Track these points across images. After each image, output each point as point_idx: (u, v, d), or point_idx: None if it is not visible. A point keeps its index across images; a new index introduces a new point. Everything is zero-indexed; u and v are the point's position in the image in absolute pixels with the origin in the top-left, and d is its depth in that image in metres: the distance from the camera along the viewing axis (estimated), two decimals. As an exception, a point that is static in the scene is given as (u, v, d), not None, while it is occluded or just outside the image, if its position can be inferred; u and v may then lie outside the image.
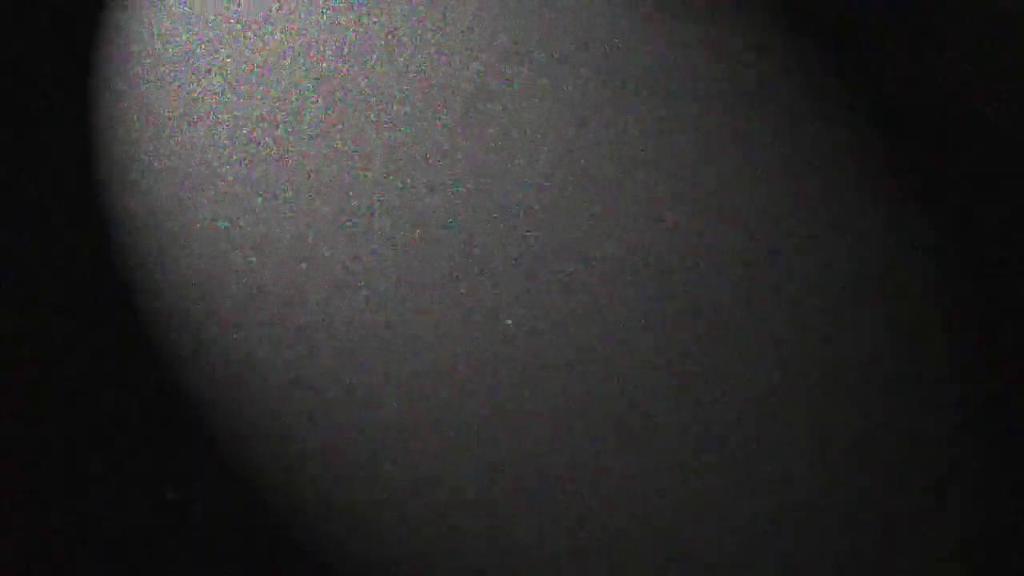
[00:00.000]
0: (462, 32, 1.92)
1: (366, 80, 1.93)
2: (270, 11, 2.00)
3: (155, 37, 2.01)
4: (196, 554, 1.59)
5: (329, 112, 1.91)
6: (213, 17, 2.02)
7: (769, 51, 1.86)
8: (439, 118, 1.87)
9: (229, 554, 1.59)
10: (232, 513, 1.62)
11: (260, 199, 1.85)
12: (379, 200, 1.83)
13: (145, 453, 1.66)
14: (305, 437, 1.67)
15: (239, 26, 2.00)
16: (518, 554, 1.57)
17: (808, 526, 1.55)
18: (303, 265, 1.79)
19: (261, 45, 1.98)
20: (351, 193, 1.84)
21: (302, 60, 1.96)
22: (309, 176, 1.86)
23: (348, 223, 1.82)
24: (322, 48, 1.96)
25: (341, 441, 1.66)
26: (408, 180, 1.83)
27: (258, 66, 1.96)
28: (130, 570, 1.59)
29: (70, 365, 1.73)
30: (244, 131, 1.91)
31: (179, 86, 1.96)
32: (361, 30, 1.97)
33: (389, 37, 1.94)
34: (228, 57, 1.97)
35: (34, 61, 1.99)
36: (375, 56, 1.94)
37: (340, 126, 1.90)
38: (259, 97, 1.94)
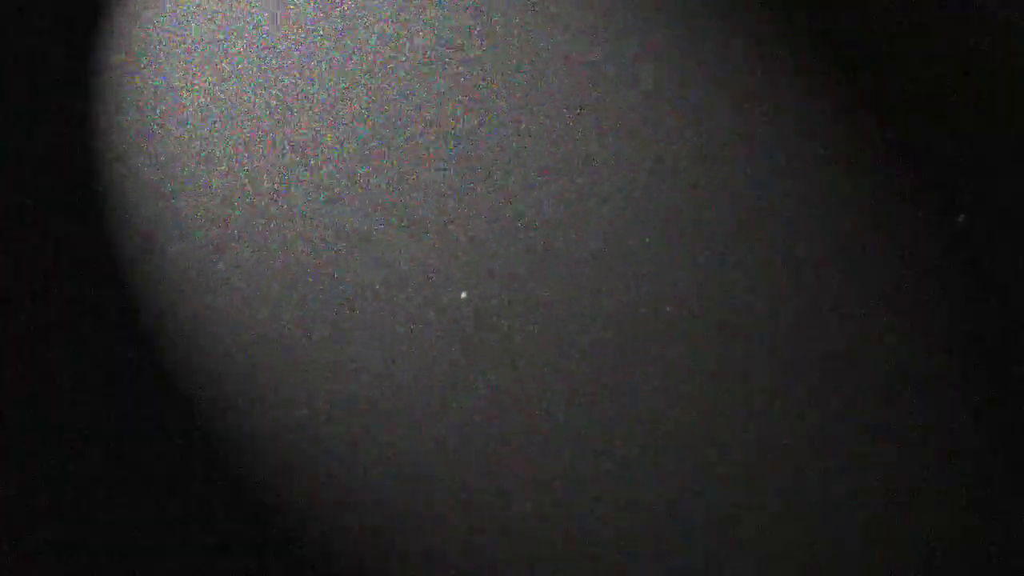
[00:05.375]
0: (459, 35, 1.92)
1: (367, 80, 1.93)
2: (272, 11, 2.01)
3: (156, 37, 2.01)
4: (194, 555, 1.59)
5: (332, 113, 1.91)
6: (214, 17, 2.02)
7: (769, 50, 1.86)
8: (439, 121, 1.87)
9: (224, 554, 1.59)
10: (228, 513, 1.62)
11: (261, 201, 1.85)
12: (383, 202, 1.83)
13: (141, 455, 1.66)
14: (304, 439, 1.67)
15: (240, 25, 2.00)
16: (515, 555, 1.57)
17: (809, 526, 1.55)
18: (302, 266, 1.79)
19: (262, 45, 1.98)
20: (354, 194, 1.84)
21: (303, 61, 1.96)
22: (311, 178, 1.86)
23: (350, 223, 1.82)
24: (323, 48, 1.96)
25: (338, 443, 1.66)
26: (410, 182, 1.83)
27: (259, 67, 1.96)
28: (129, 570, 1.59)
29: (67, 365, 1.73)
30: (244, 133, 1.91)
31: (179, 87, 1.96)
32: (362, 30, 1.97)
33: (392, 37, 1.94)
34: (229, 58, 1.97)
35: (34, 61, 1.99)
36: (377, 56, 1.94)
37: (343, 127, 1.90)
38: (260, 98, 1.94)
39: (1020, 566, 1.50)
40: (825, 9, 1.87)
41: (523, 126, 1.85)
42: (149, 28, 2.02)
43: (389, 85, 1.91)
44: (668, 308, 1.68)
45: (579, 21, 1.91)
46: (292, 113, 1.92)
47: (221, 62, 1.97)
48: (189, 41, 2.00)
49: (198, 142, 1.91)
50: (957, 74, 1.80)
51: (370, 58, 1.94)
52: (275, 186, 1.86)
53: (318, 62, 1.95)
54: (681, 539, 1.55)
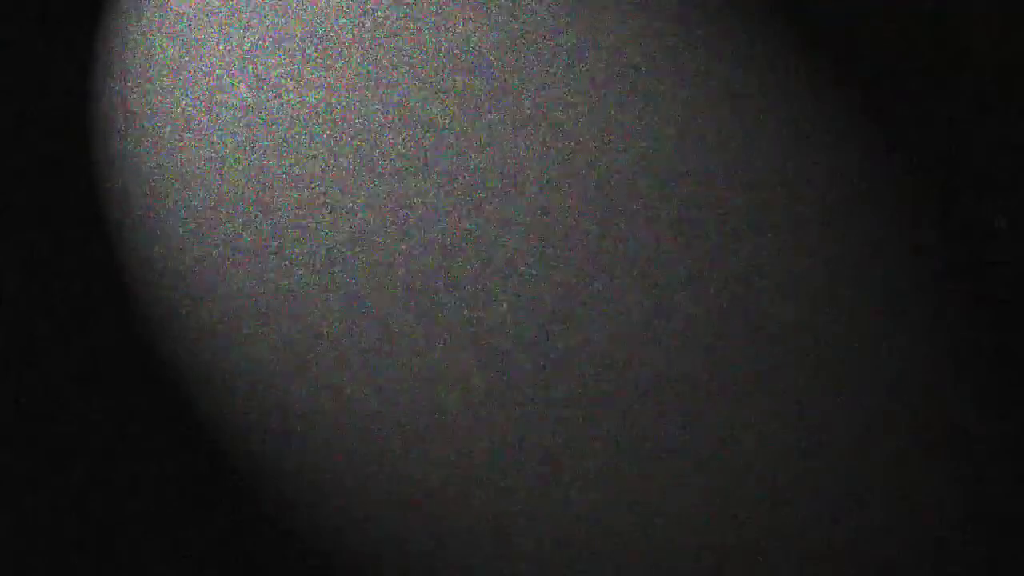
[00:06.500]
0: (458, 37, 1.92)
1: (368, 80, 1.93)
2: (274, 11, 2.01)
3: (156, 38, 2.01)
4: (193, 556, 1.59)
5: (330, 115, 1.91)
6: (214, 18, 2.02)
7: (769, 51, 1.86)
8: (441, 130, 1.87)
9: (224, 553, 1.59)
10: (226, 512, 1.62)
11: (262, 199, 1.85)
12: (381, 201, 1.83)
13: (141, 455, 1.66)
14: (304, 438, 1.67)
15: (239, 26, 2.00)
16: (515, 554, 1.57)
17: (808, 527, 1.55)
18: (302, 268, 1.79)
19: (263, 46, 1.98)
20: (352, 194, 1.84)
21: (305, 61, 1.96)
22: (311, 176, 1.86)
23: (349, 222, 1.82)
24: (323, 48, 1.96)
25: (339, 443, 1.67)
26: (410, 183, 1.83)
27: (261, 67, 1.96)
28: (129, 569, 1.59)
29: (68, 366, 1.73)
30: (245, 134, 1.91)
31: (179, 88, 1.97)
32: (362, 32, 1.97)
33: (394, 39, 1.94)
34: (229, 59, 1.97)
35: (34, 61, 1.99)
36: (377, 57, 1.94)
37: (342, 129, 1.90)
38: (262, 99, 1.94)
39: (1020, 566, 1.50)
40: (826, 9, 1.87)
41: (526, 128, 1.85)
42: (149, 28, 2.02)
43: (393, 86, 1.91)
44: (669, 310, 1.68)
45: (582, 22, 1.91)
46: (294, 113, 1.92)
47: (222, 63, 1.97)
48: (189, 42, 2.00)
49: (198, 143, 1.91)
50: (957, 73, 1.79)
51: (374, 58, 1.94)
52: (277, 187, 1.86)
53: (321, 61, 1.95)
54: (682, 539, 1.56)
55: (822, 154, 1.79)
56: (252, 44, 1.97)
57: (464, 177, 1.82)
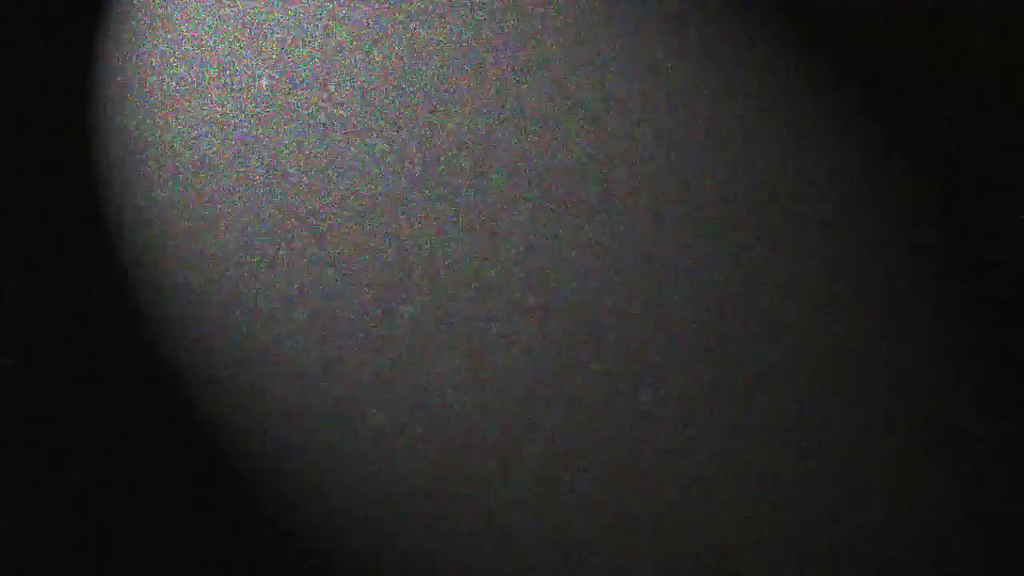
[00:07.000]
0: (458, 40, 1.92)
1: (369, 79, 1.93)
2: (271, 12, 2.00)
3: (156, 37, 2.01)
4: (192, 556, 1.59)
5: (333, 111, 1.91)
6: (213, 18, 2.02)
7: (769, 53, 1.86)
8: (440, 123, 1.87)
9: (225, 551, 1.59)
10: (227, 511, 1.62)
11: (261, 199, 1.85)
12: (380, 199, 1.83)
13: (141, 455, 1.66)
14: (304, 438, 1.67)
15: (240, 26, 2.00)
16: (515, 554, 1.57)
17: (808, 527, 1.55)
18: (302, 264, 1.79)
19: (261, 44, 1.98)
20: (352, 192, 1.84)
21: (302, 59, 1.96)
22: (309, 176, 1.86)
23: (348, 220, 1.82)
24: (324, 47, 1.96)
25: (339, 443, 1.66)
26: (414, 184, 1.83)
27: (259, 66, 1.96)
28: (127, 569, 1.59)
29: (68, 366, 1.73)
30: (245, 131, 1.91)
31: (179, 88, 1.96)
32: (364, 30, 1.96)
33: (394, 40, 1.94)
34: (229, 58, 1.97)
35: (34, 61, 1.99)
36: (377, 56, 1.94)
37: (344, 125, 1.90)
38: (261, 97, 1.94)
39: (1020, 566, 1.50)
40: (826, 9, 1.86)
41: (526, 128, 1.85)
42: (149, 28, 2.02)
43: (396, 87, 1.91)
44: (668, 310, 1.68)
45: (581, 22, 1.91)
46: (296, 113, 1.92)
47: (221, 62, 1.97)
48: (189, 42, 2.00)
49: (199, 142, 1.91)
50: (957, 73, 1.79)
51: (377, 59, 1.94)
52: (278, 187, 1.86)
53: (323, 61, 1.95)
54: (682, 539, 1.55)
55: (822, 154, 1.79)
56: (252, 44, 1.97)
57: (467, 176, 1.82)
